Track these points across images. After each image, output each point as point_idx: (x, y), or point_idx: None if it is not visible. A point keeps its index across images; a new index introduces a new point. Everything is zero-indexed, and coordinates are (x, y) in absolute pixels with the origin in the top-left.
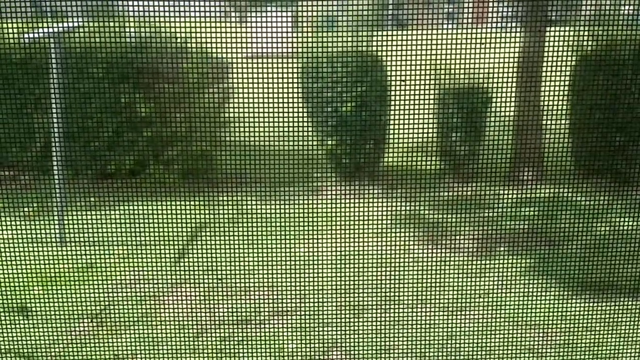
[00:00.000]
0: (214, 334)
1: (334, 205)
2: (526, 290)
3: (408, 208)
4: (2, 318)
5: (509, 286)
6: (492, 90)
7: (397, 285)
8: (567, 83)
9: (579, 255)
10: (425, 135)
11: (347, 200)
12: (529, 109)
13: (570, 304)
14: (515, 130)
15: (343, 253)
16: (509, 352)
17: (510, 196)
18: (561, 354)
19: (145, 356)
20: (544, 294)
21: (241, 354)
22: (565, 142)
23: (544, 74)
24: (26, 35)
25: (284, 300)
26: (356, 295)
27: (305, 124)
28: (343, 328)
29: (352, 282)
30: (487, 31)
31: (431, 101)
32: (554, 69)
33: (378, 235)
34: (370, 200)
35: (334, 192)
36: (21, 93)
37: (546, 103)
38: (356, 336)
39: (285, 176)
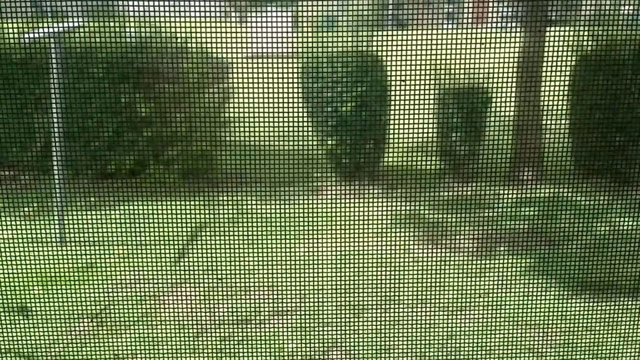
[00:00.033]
0: (214, 334)
1: (334, 205)
2: (526, 290)
3: (408, 208)
4: (2, 318)
5: (509, 286)
6: (492, 90)
7: (397, 285)
8: (567, 83)
9: (579, 255)
10: (425, 135)
11: (347, 200)
12: (529, 109)
13: (570, 303)
14: (515, 130)
15: (343, 253)
16: (509, 352)
17: (510, 196)
18: (561, 353)
19: (145, 356)
20: (544, 293)
21: (241, 354)
22: (565, 142)
23: (544, 74)
24: (26, 35)
25: (284, 300)
26: (356, 295)
27: (305, 124)
28: (343, 328)
29: (352, 282)
30: (487, 31)
31: (431, 101)
32: (554, 69)
33: (378, 235)
34: (370, 200)
35: (334, 192)
36: (21, 93)
37: (546, 103)
38: (356, 336)
39: (285, 176)
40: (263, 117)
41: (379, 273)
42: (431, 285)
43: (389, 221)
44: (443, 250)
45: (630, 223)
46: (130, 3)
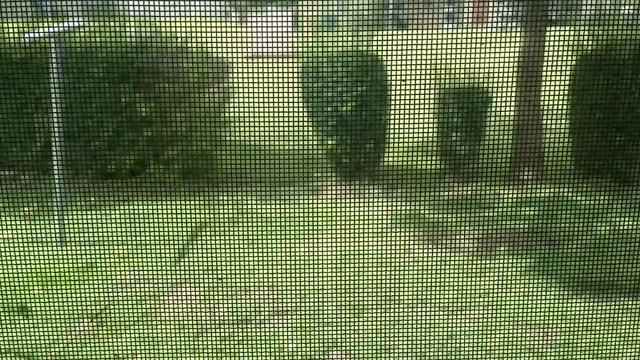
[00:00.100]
0: (214, 334)
1: (334, 205)
2: (526, 290)
3: (408, 208)
4: (2, 318)
5: (509, 286)
6: (492, 90)
7: (397, 285)
8: (567, 83)
9: (579, 255)
10: (425, 135)
11: (347, 200)
12: (529, 109)
13: (571, 303)
14: (515, 130)
15: (343, 253)
16: (509, 352)
17: (510, 196)
18: (561, 353)
19: (145, 356)
20: (544, 293)
21: (241, 354)
22: (565, 142)
23: (544, 74)
24: (26, 35)
25: (284, 300)
26: (356, 294)
27: (305, 124)
28: (343, 328)
29: (352, 282)
30: (487, 31)
31: (431, 101)
32: (554, 69)
33: (378, 235)
34: (370, 200)
35: (334, 192)
36: (21, 93)
37: (546, 103)
38: (356, 336)
39: (285, 176)
40: (263, 117)
41: (379, 273)
42: (431, 285)
43: (389, 221)
44: (443, 250)
45: (630, 223)
46: (130, 3)
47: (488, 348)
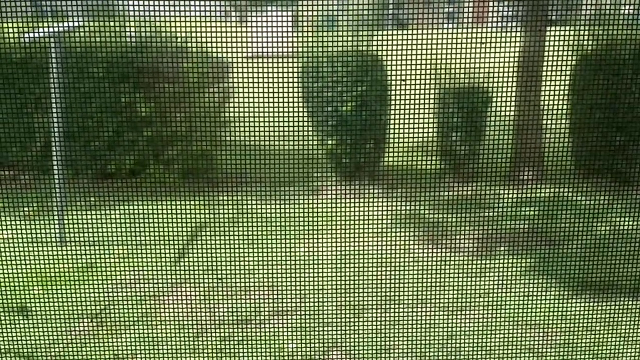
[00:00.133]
0: (214, 334)
1: (334, 205)
2: (526, 290)
3: (408, 208)
4: (2, 318)
5: (509, 286)
6: (492, 90)
7: (397, 285)
8: (567, 83)
9: (579, 255)
10: (425, 135)
11: (347, 200)
12: (529, 109)
13: (571, 304)
14: (515, 130)
15: (343, 253)
16: (509, 352)
17: (510, 196)
18: (561, 354)
19: (145, 356)
20: (544, 293)
21: (241, 354)
22: (565, 142)
23: (544, 74)
24: (26, 35)
25: (284, 300)
26: (356, 295)
27: (305, 124)
28: (343, 328)
29: (352, 282)
30: (487, 31)
31: (431, 101)
32: (554, 69)
33: (378, 235)
34: (370, 200)
35: (334, 192)
36: (21, 93)
37: (546, 103)
38: (356, 336)
39: (285, 176)
40: (263, 117)
41: (379, 273)
42: (431, 285)
43: (389, 221)
44: (443, 250)
45: (630, 223)
46: (130, 3)
47: (488, 348)
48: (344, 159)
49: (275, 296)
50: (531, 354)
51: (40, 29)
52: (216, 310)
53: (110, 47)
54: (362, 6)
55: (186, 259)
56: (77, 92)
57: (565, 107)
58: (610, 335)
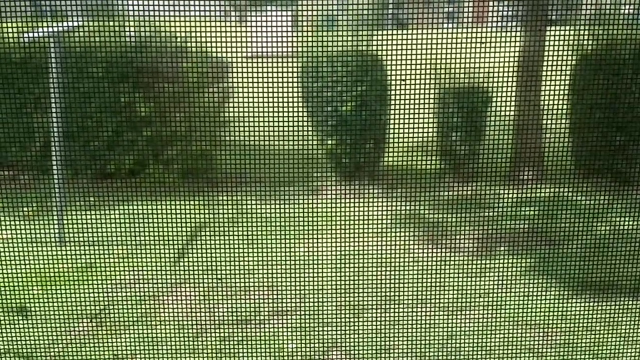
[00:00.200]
0: (213, 334)
1: (333, 205)
2: (526, 290)
3: (408, 208)
4: (2, 318)
5: (509, 286)
6: (492, 90)
7: (397, 285)
8: (567, 83)
9: (579, 255)
10: (425, 135)
11: (347, 200)
12: (529, 109)
13: (571, 304)
14: (515, 130)
15: (343, 253)
16: (509, 352)
17: (510, 196)
18: (561, 354)
19: (144, 356)
20: (544, 294)
21: (241, 354)
22: (565, 142)
23: (544, 73)
24: (26, 35)
25: (284, 300)
26: (356, 295)
27: (305, 124)
28: (343, 328)
29: (351, 282)
30: (487, 31)
31: (431, 101)
32: (554, 69)
33: (378, 235)
34: (370, 200)
35: (334, 192)
36: (21, 93)
37: (546, 103)
38: (356, 336)
39: (285, 176)
40: (263, 117)
41: (378, 273)
42: (431, 285)
43: (389, 221)
44: (443, 250)
45: (630, 223)
46: (130, 3)
47: (488, 348)
48: (344, 159)
49: (274, 296)
50: (531, 354)
51: (40, 29)
52: (216, 310)
53: (110, 47)
54: (362, 6)
55: (185, 259)
56: (76, 92)
57: (565, 107)
58: (610, 336)
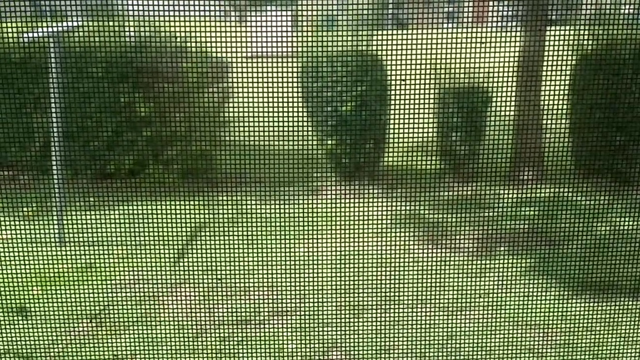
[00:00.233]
0: (213, 335)
1: (333, 205)
2: (526, 290)
3: (408, 208)
4: (1, 318)
5: (509, 286)
6: (492, 90)
7: (397, 285)
8: (567, 83)
9: (579, 255)
10: (425, 135)
11: (347, 200)
12: (529, 109)
13: (571, 304)
14: (515, 130)
15: (342, 253)
16: (509, 352)
17: (510, 196)
18: (562, 354)
19: (144, 357)
20: (544, 294)
21: (240, 355)
22: (565, 142)
23: (544, 74)
24: (26, 35)
25: (284, 301)
26: (356, 295)
27: (305, 124)
28: (343, 328)
29: (351, 282)
30: (487, 31)
31: (431, 101)
32: (554, 69)
33: (378, 235)
34: (370, 200)
35: (333, 192)
36: (20, 93)
37: (546, 103)
38: (356, 336)
39: (285, 176)
40: (262, 117)
41: (378, 273)
42: (431, 286)
43: (389, 221)
44: (443, 250)
45: (630, 223)
46: (130, 3)
47: (488, 348)
48: (344, 159)
49: (274, 297)
50: (531, 354)
51: (40, 29)
52: (215, 311)
53: (110, 47)
54: (362, 6)
55: (185, 260)
56: (76, 92)
57: (565, 107)
58: (610, 336)
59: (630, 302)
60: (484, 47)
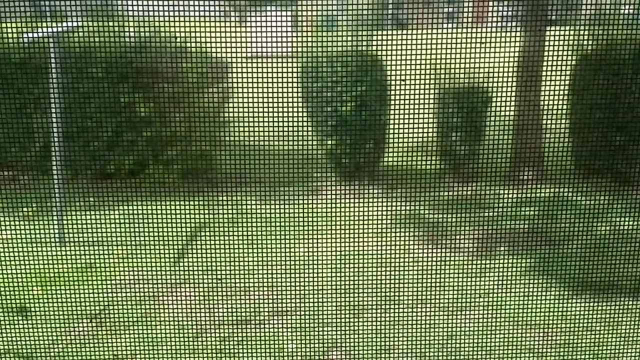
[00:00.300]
0: (213, 335)
1: (333, 205)
2: (526, 290)
3: (408, 208)
4: (2, 318)
5: (510, 286)
6: (492, 90)
7: (397, 286)
8: (567, 83)
9: (579, 255)
10: (425, 135)
11: (347, 200)
12: (529, 109)
13: (571, 304)
14: (515, 130)
15: (342, 253)
16: (510, 352)
17: (510, 196)
18: (562, 354)
19: (144, 357)
20: (544, 294)
21: (240, 355)
22: (565, 142)
23: (544, 74)
24: (26, 36)
25: (284, 301)
26: (356, 295)
27: (305, 124)
28: (342, 328)
29: (351, 282)
30: (487, 31)
31: (431, 101)
32: (554, 69)
33: (378, 235)
34: (370, 200)
35: (333, 192)
36: (21, 93)
37: (546, 103)
38: (356, 336)
39: (285, 176)
40: (262, 118)
41: (378, 273)
42: (431, 286)
43: (388, 221)
44: (443, 250)
45: (630, 223)
46: (130, 3)
47: (488, 348)
48: (344, 159)
49: (274, 297)
50: (531, 354)
51: (40, 30)
52: (215, 310)
53: (110, 48)
54: (362, 6)
55: (185, 260)
56: (76, 92)
57: (565, 107)
58: (610, 336)
59: (630, 302)
60: (484, 47)
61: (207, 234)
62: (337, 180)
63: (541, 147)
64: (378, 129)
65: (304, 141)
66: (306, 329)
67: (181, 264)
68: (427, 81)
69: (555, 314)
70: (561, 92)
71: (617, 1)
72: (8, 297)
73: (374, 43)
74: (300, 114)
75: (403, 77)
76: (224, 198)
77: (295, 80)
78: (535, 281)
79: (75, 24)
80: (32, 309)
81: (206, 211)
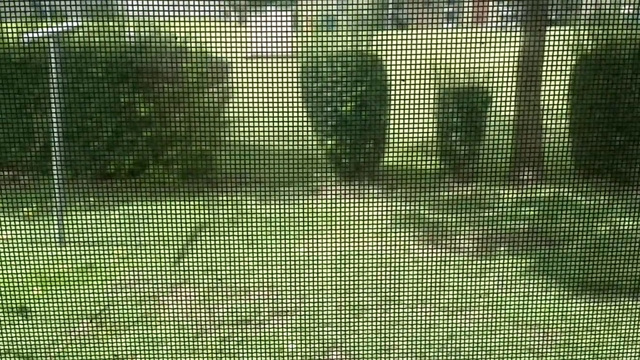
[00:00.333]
0: (213, 335)
1: (333, 205)
2: (526, 290)
3: (408, 208)
4: (2, 318)
5: (509, 286)
6: (492, 90)
7: (397, 286)
8: (567, 83)
9: (579, 255)
10: (425, 135)
11: (347, 200)
12: (529, 109)
13: (571, 304)
14: (515, 130)
15: (342, 253)
16: (510, 352)
17: (510, 196)
18: (562, 354)
19: (144, 357)
20: (544, 294)
21: (240, 355)
22: (565, 142)
23: (544, 74)
24: (26, 36)
25: (284, 301)
26: (356, 295)
27: (305, 124)
28: (343, 328)
29: (351, 282)
30: (487, 31)
31: (431, 101)
32: (554, 69)
33: (378, 235)
34: (370, 200)
35: (333, 192)
36: (21, 93)
37: (546, 103)
38: (356, 336)
39: (285, 176)
40: (262, 118)
41: (378, 273)
42: (431, 286)
43: (388, 221)
44: (443, 250)
45: (630, 223)
46: (130, 3)
47: (488, 348)
48: (344, 159)
49: (274, 297)
50: (531, 354)
51: (40, 30)
52: (215, 310)
53: (110, 48)
54: (362, 6)
55: (185, 260)
56: (76, 92)
57: (565, 107)
58: (610, 336)
59: (630, 302)
60: (483, 47)
61: (207, 234)
62: (337, 180)
63: (541, 147)
64: (378, 129)
65: (304, 141)
66: (306, 329)
67: (181, 264)
68: (427, 81)
69: (555, 314)
70: (561, 92)
71: (617, 1)
72: (8, 297)
73: (374, 43)
74: (300, 114)
75: (403, 77)
76: (224, 198)
77: (295, 80)
78: (535, 281)
79: (75, 24)
80: (33, 309)
81: (206, 211)
